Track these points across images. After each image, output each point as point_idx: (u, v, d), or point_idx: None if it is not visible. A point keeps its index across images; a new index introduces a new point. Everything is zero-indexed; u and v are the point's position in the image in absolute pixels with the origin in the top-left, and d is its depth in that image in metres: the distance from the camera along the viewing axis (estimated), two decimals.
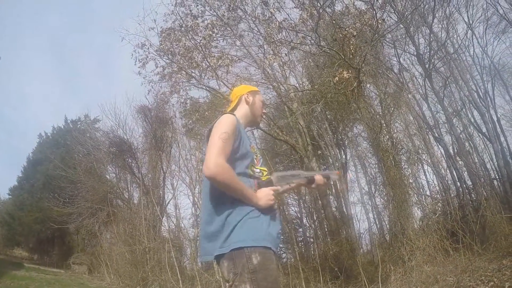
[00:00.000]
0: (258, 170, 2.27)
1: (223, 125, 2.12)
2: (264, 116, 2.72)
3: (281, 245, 15.52)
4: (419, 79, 11.60)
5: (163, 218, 13.84)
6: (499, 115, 11.33)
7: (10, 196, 25.70)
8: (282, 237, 15.84)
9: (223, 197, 2.06)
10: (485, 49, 11.42)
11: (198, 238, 16.38)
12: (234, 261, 1.94)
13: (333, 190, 11.39)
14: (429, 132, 10.95)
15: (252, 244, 1.94)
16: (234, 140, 2.11)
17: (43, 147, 23.88)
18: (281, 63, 9.94)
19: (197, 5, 9.46)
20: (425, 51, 10.66)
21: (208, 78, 9.90)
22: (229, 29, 9.57)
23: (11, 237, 23.18)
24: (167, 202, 15.71)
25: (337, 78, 8.15)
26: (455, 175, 10.23)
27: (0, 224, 24.74)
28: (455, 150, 10.59)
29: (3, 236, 24.16)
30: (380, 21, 8.14)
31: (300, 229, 15.18)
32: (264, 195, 2.09)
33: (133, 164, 15.24)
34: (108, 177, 17.67)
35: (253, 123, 2.64)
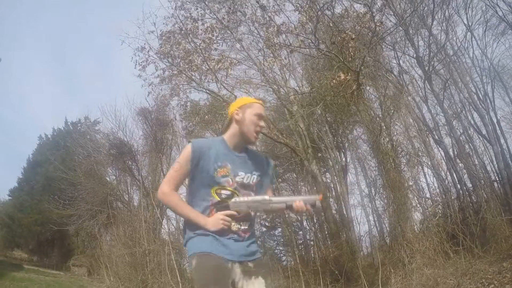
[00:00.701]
0: (228, 193, 2.35)
1: (180, 156, 2.41)
2: (259, 132, 2.49)
3: (280, 248, 15.56)
4: (418, 82, 11.58)
5: (163, 221, 13.83)
6: (499, 117, 11.27)
7: (10, 198, 25.69)
8: (282, 240, 15.88)
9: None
10: (485, 51, 11.37)
11: None
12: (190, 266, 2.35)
13: (333, 193, 11.40)
14: (429, 135, 10.92)
15: (190, 254, 2.29)
16: (188, 169, 2.34)
17: (43, 149, 23.87)
18: (280, 65, 9.95)
19: (197, 8, 9.48)
20: (425, 53, 10.64)
21: (208, 81, 9.92)
22: (228, 32, 9.59)
23: (11, 239, 23.17)
24: None
25: (334, 81, 8.17)
26: (455, 177, 10.21)
27: (0, 225, 24.77)
28: (455, 152, 10.57)
29: (2, 237, 24.14)
30: (378, 24, 8.15)
31: (300, 232, 15.17)
32: (214, 219, 2.27)
33: (133, 167, 15.21)
34: (108, 179, 17.64)
35: (245, 141, 2.47)
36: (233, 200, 2.31)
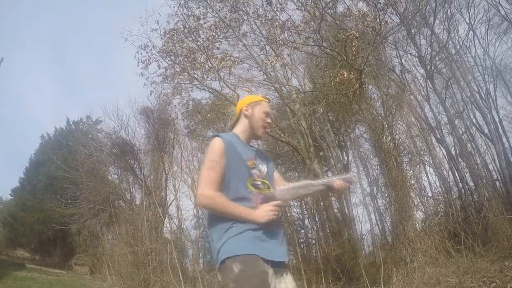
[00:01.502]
0: (259, 183, 2.33)
1: (210, 153, 2.30)
2: (268, 127, 2.59)
3: None
4: (421, 81, 11.60)
5: (165, 220, 13.86)
6: (501, 116, 11.31)
7: (12, 197, 25.74)
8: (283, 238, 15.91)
9: (211, 217, 2.31)
10: (487, 50, 11.39)
11: (199, 240, 16.45)
12: (222, 274, 2.15)
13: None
14: (431, 134, 10.91)
15: (231, 255, 2.08)
16: (224, 164, 2.26)
17: (45, 148, 23.91)
18: (282, 64, 9.95)
19: (199, 7, 9.49)
20: (427, 52, 10.65)
21: (210, 79, 9.93)
22: (231, 30, 9.60)
23: (13, 238, 23.20)
24: (169, 203, 15.71)
25: (338, 79, 8.17)
26: (457, 176, 10.20)
27: (2, 224, 24.80)
28: (457, 151, 10.56)
29: (5, 236, 24.21)
30: (383, 23, 8.16)
31: (302, 231, 15.17)
32: (263, 212, 2.18)
33: (135, 166, 15.22)
34: (110, 178, 17.68)
35: (254, 136, 2.56)
36: (278, 189, 2.30)
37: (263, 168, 2.45)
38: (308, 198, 10.65)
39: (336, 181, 2.38)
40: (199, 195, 2.22)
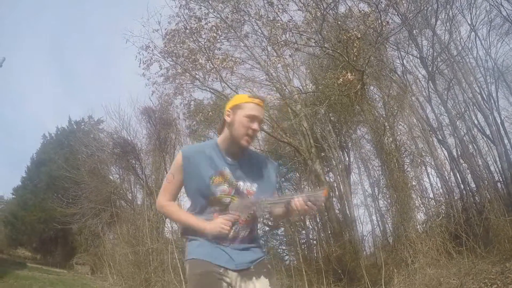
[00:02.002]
0: (227, 200, 2.18)
1: (172, 166, 2.34)
2: (253, 135, 2.22)
3: (283, 247, 15.54)
4: (422, 82, 11.59)
5: (166, 219, 13.84)
6: (503, 117, 11.27)
7: (13, 196, 25.81)
8: (284, 239, 15.87)
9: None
10: (489, 51, 11.34)
11: None
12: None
13: (337, 193, 11.38)
14: (433, 135, 10.90)
15: (187, 258, 2.24)
16: (181, 178, 2.26)
17: (47, 148, 23.98)
18: (284, 64, 9.96)
19: (201, 8, 9.50)
20: (428, 53, 10.64)
21: (212, 80, 9.95)
22: (232, 31, 9.60)
23: (14, 237, 23.25)
24: None
25: (341, 80, 8.17)
26: (459, 177, 10.19)
27: (3, 223, 24.84)
28: (459, 153, 10.54)
29: (6, 235, 24.26)
30: (384, 24, 8.16)
31: (303, 231, 15.15)
32: (213, 223, 2.14)
33: (136, 165, 15.20)
34: (111, 178, 17.66)
35: (236, 144, 2.21)
36: (231, 203, 2.17)
37: (244, 185, 2.22)
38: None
39: (296, 200, 2.03)
40: (157, 203, 2.41)
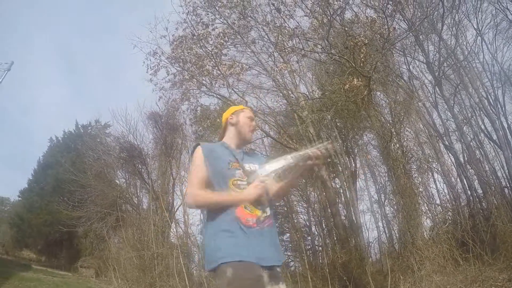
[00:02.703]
0: (244, 182, 2.45)
1: (194, 160, 2.52)
2: (254, 130, 2.82)
3: (289, 253, 15.53)
4: (429, 87, 11.56)
5: (172, 224, 13.87)
6: (510, 122, 11.18)
7: (20, 198, 25.95)
8: (290, 245, 15.87)
9: (206, 219, 2.48)
10: (495, 55, 11.28)
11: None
12: (216, 277, 2.22)
13: (343, 199, 11.35)
14: (439, 140, 10.86)
15: (225, 261, 2.17)
16: (206, 168, 2.45)
17: (54, 151, 24.13)
18: (290, 70, 9.96)
19: (208, 14, 9.53)
20: (435, 58, 10.62)
21: (219, 86, 9.97)
22: (239, 37, 9.62)
23: (20, 239, 23.41)
24: (176, 208, 15.73)
25: (347, 86, 8.17)
26: (466, 183, 10.15)
27: (9, 225, 25.04)
28: (466, 158, 10.51)
29: (12, 237, 24.44)
30: (391, 30, 8.15)
31: (309, 238, 15.15)
32: (250, 189, 2.36)
33: (143, 170, 15.26)
34: (117, 182, 17.74)
35: (244, 140, 2.73)
36: (258, 168, 2.48)
37: (253, 166, 2.54)
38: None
39: (312, 151, 2.44)
40: (187, 194, 2.45)
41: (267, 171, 2.44)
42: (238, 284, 2.10)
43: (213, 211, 2.36)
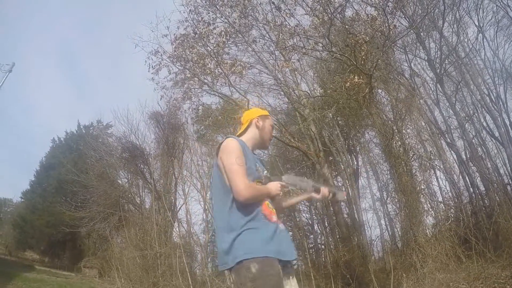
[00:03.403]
0: (278, 177, 2.57)
1: (234, 151, 2.39)
2: (271, 140, 2.85)
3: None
4: (430, 84, 11.56)
5: (175, 224, 13.88)
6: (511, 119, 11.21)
7: (22, 200, 26.01)
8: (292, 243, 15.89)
9: (229, 215, 2.33)
10: (496, 52, 11.26)
11: (208, 244, 16.45)
12: (237, 274, 2.16)
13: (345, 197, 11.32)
14: (441, 138, 10.87)
15: (249, 257, 2.13)
16: (245, 161, 2.40)
17: (56, 152, 24.15)
18: (292, 69, 9.96)
19: (209, 13, 9.54)
20: (436, 55, 10.61)
21: (220, 84, 9.97)
22: (240, 36, 9.62)
23: (23, 240, 23.43)
24: (178, 207, 15.74)
25: (348, 84, 8.17)
26: (468, 180, 10.15)
27: (12, 226, 25.09)
28: (468, 155, 10.50)
29: (15, 238, 24.48)
30: (392, 27, 8.14)
31: (311, 236, 15.14)
32: (275, 185, 2.45)
33: (145, 170, 15.25)
34: (120, 182, 17.70)
35: (261, 146, 2.79)
36: (285, 175, 2.59)
37: (263, 172, 2.61)
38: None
39: (324, 188, 2.73)
40: (243, 188, 2.25)
41: (289, 181, 2.58)
42: (263, 281, 2.08)
43: (239, 207, 2.29)
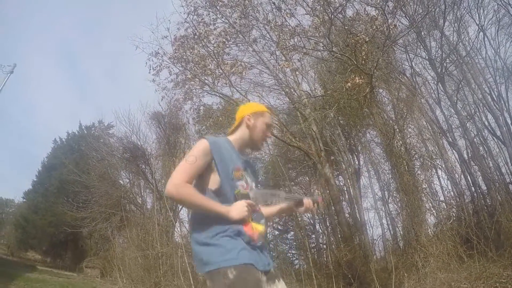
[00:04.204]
0: (245, 194, 2.24)
1: (193, 150, 2.21)
2: (267, 140, 2.64)
3: (293, 252, 15.55)
4: (431, 83, 11.53)
5: (176, 224, 13.88)
6: None
7: (24, 200, 26.07)
8: (294, 243, 15.86)
9: (196, 218, 2.21)
10: (498, 51, 11.22)
11: None
12: (213, 280, 2.03)
13: (346, 196, 11.35)
14: (443, 137, 10.85)
15: (227, 264, 2.00)
16: (202, 164, 2.17)
17: (58, 152, 24.19)
18: (293, 69, 9.96)
19: (209, 13, 9.55)
20: (437, 54, 10.60)
21: (221, 85, 9.97)
22: (241, 36, 9.63)
23: (25, 240, 23.49)
24: (180, 207, 15.76)
25: (349, 84, 8.17)
26: (470, 180, 10.13)
27: (14, 227, 25.16)
28: (469, 155, 10.49)
29: (17, 238, 24.55)
30: (392, 27, 8.14)
31: (313, 236, 15.15)
32: (237, 207, 2.12)
33: (146, 170, 15.29)
34: (121, 182, 17.74)
35: (252, 146, 2.50)
36: (252, 191, 2.28)
37: (251, 183, 2.34)
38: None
39: (306, 200, 2.50)
40: (169, 183, 2.08)
41: (257, 196, 2.28)
42: (243, 285, 1.97)
43: (210, 222, 2.10)
